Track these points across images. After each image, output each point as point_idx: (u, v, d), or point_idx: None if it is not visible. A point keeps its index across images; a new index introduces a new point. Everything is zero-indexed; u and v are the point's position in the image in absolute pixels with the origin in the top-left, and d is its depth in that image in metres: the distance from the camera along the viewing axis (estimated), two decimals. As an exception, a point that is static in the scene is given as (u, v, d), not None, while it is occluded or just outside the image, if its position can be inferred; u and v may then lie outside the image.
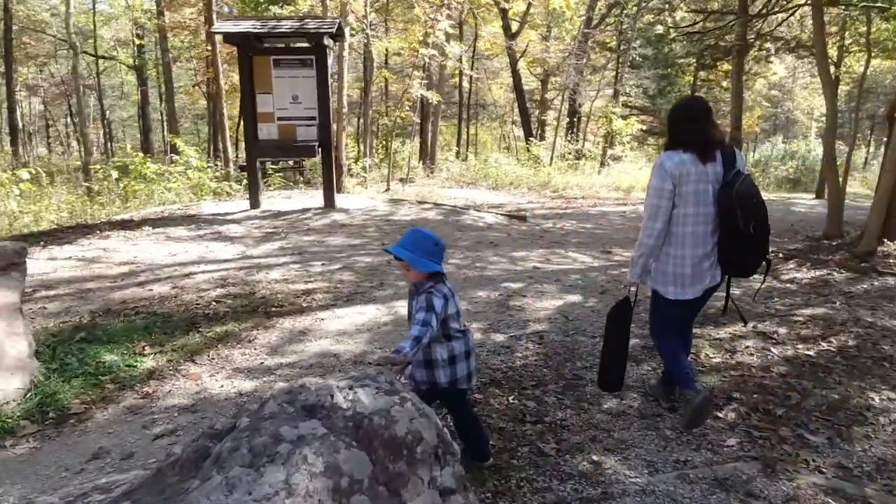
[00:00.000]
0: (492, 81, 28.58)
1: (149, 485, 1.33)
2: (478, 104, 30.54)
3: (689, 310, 3.01)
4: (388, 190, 14.52)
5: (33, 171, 11.44)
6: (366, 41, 15.45)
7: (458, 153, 22.16)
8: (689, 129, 2.82)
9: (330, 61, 11.16)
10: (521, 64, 23.89)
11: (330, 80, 9.14)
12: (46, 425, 2.94)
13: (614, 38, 23.95)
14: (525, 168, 18.01)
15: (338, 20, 8.53)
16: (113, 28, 28.57)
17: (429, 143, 21.23)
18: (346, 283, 5.47)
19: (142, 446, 2.75)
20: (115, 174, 12.60)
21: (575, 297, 5.19)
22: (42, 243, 6.89)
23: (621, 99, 21.85)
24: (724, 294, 3.08)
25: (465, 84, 25.98)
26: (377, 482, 1.36)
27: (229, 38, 8.49)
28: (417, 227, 2.49)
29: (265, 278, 5.56)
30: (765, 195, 3.07)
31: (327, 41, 8.31)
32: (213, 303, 4.78)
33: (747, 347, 3.98)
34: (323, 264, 6.12)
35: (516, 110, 25.74)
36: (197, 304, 4.72)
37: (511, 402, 3.18)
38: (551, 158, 19.12)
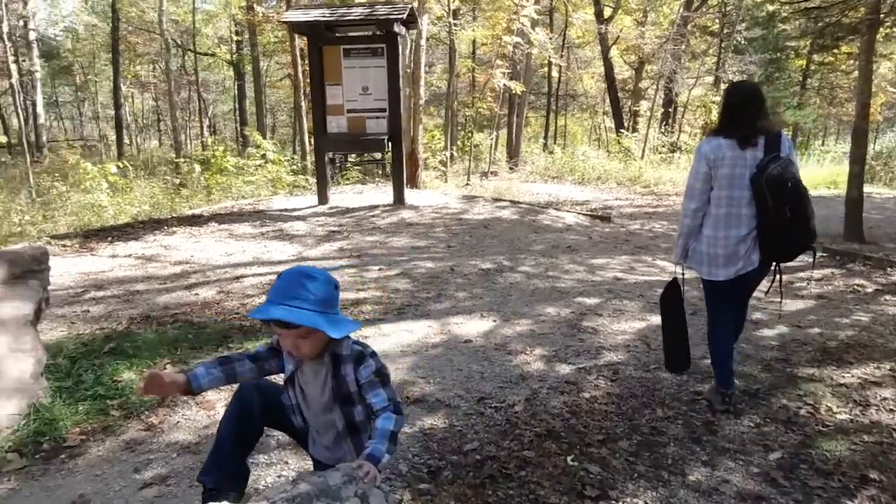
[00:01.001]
0: (582, 70, 27.37)
1: None
2: (567, 94, 29.41)
3: (727, 291, 3.02)
4: (467, 184, 13.99)
5: (121, 165, 11.78)
6: (448, 29, 14.93)
7: (544, 146, 21.28)
8: (733, 114, 2.91)
9: (406, 50, 10.74)
10: (614, 52, 22.62)
11: (405, 70, 8.71)
12: (36, 459, 2.61)
13: (716, 20, 22.16)
14: (614, 162, 16.94)
15: (409, 5, 8.04)
16: (214, 26, 29.67)
17: (513, 135, 20.47)
18: (401, 293, 4.98)
19: (124, 497, 2.35)
20: (197, 168, 12.80)
21: (660, 319, 4.44)
22: (109, 239, 6.88)
23: (723, 86, 20.14)
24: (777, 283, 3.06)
25: (554, 73, 24.99)
26: None
27: (298, 27, 8.23)
28: (305, 269, 1.77)
29: (316, 284, 5.16)
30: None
31: (398, 28, 7.84)
32: (254, 312, 4.42)
33: (885, 400, 3.13)
34: (380, 269, 5.66)
35: (608, 100, 24.44)
36: (235, 314, 4.38)
37: (569, 464, 2.55)
38: (643, 151, 17.89)
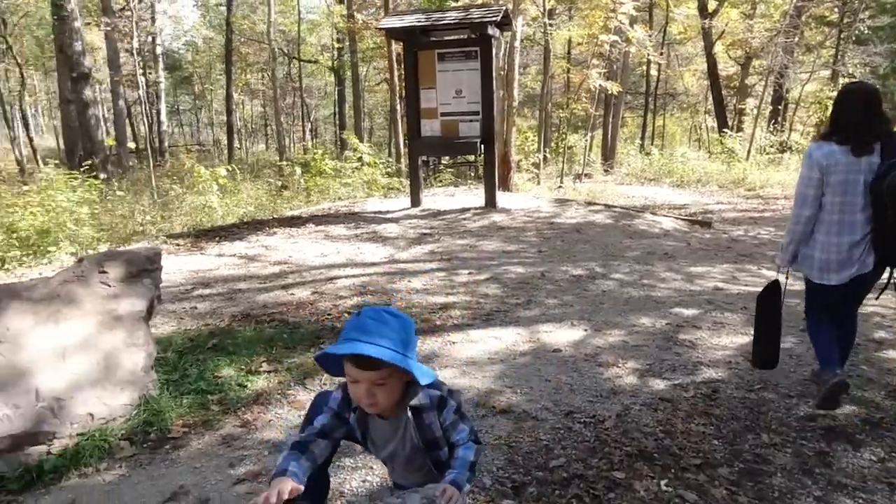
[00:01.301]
0: (683, 68, 26.22)
1: None
2: (667, 93, 28.28)
3: (839, 295, 3.03)
4: (560, 187, 13.76)
5: (230, 168, 12.51)
6: (543, 30, 14.73)
7: (641, 147, 20.55)
8: (847, 118, 2.84)
9: (500, 52, 10.70)
10: (718, 47, 21.51)
11: (498, 73, 8.67)
12: (144, 448, 2.79)
13: (835, 9, 20.49)
14: (716, 163, 16.09)
15: (503, 7, 7.99)
16: (318, 34, 30.99)
17: (608, 136, 19.92)
18: (490, 298, 4.94)
19: (219, 491, 2.46)
20: (298, 170, 13.36)
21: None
22: (217, 238, 7.30)
23: (841, 81, 18.62)
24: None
25: (653, 72, 24.13)
26: None
27: (394, 33, 8.38)
28: (387, 308, 1.67)
29: (406, 287, 5.23)
30: None
31: (492, 31, 7.81)
32: (346, 314, 4.53)
33: None
34: (469, 273, 5.65)
35: (710, 98, 23.25)
36: (328, 315, 4.50)
37: (663, 489, 2.41)
38: (748, 152, 16.86)
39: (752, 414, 3.05)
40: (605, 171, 17.17)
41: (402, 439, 1.74)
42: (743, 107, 21.92)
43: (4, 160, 22.34)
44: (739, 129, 19.67)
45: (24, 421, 2.61)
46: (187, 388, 3.30)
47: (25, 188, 8.82)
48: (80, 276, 3.19)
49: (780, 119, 20.44)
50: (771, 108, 20.37)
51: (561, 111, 19.57)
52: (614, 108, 20.28)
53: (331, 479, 2.19)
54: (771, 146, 17.48)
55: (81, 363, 2.91)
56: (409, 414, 1.70)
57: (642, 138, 24.65)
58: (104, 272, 3.27)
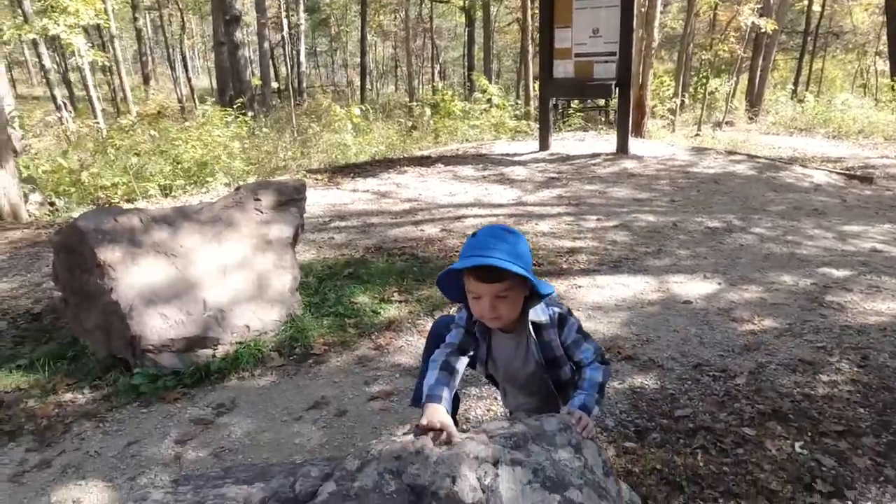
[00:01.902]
0: (853, 2, 23.13)
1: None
2: (830, 32, 25.19)
3: None
4: (697, 135, 12.91)
5: (364, 108, 12.92)
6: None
7: (793, 93, 18.63)
8: None
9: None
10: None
11: (639, 10, 8.16)
12: (290, 360, 3.09)
13: None
14: (883, 112, 14.26)
15: (652, -62, 7.42)
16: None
17: (756, 80, 18.21)
18: (618, 245, 4.83)
19: (356, 405, 2.68)
20: (428, 111, 13.53)
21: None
22: (352, 175, 7.65)
23: None
24: None
25: (816, 7, 21.53)
26: None
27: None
28: (504, 226, 1.64)
29: (532, 229, 5.23)
30: None
31: (637, -36, 7.32)
32: (472, 252, 4.63)
33: None
34: (598, 219, 5.53)
35: (883, 38, 20.42)
36: (456, 252, 4.63)
37: (797, 451, 2.31)
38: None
39: (908, 385, 2.80)
40: (750, 119, 15.78)
41: (524, 357, 1.77)
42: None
43: (168, 99, 24.51)
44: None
45: (195, 326, 2.97)
46: (327, 310, 3.57)
47: (186, 124, 9.69)
48: (238, 202, 3.51)
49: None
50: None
51: (703, 53, 18.08)
52: (766, 49, 18.40)
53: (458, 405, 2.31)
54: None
55: (239, 280, 3.24)
56: (531, 330, 1.72)
57: (795, 83, 22.27)
58: (258, 199, 3.57)
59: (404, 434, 1.38)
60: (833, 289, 3.98)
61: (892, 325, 3.46)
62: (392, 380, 2.88)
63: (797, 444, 2.34)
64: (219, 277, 3.18)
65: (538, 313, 1.71)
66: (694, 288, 3.99)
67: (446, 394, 1.60)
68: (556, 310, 1.73)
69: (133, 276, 2.95)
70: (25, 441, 2.50)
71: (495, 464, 1.09)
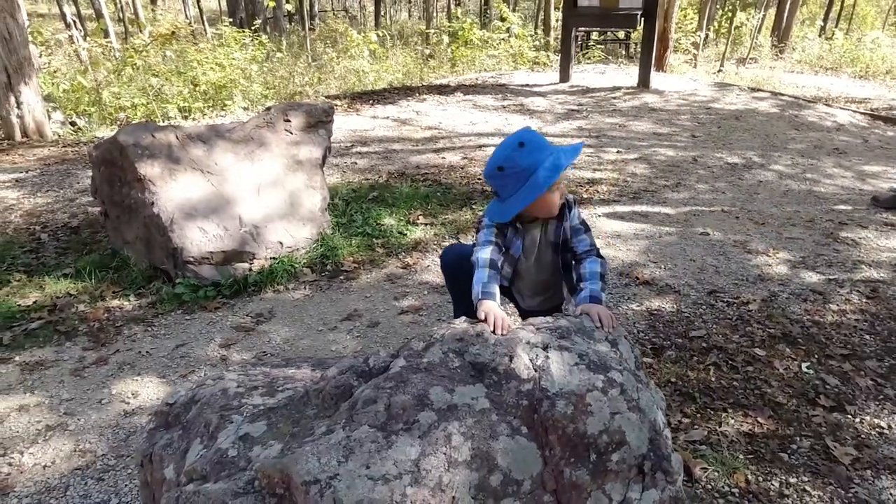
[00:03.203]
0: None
1: (292, 406, 1.23)
2: (868, -37, 24.08)
3: None
4: (720, 71, 12.63)
5: (381, 34, 12.65)
6: None
7: (821, 30, 18.01)
8: None
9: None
10: None
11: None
12: (322, 276, 3.24)
13: None
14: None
15: None
16: None
17: (784, 14, 17.57)
18: (638, 178, 4.88)
19: (387, 318, 2.84)
20: (445, 39, 13.23)
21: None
22: (371, 102, 7.61)
23: None
24: None
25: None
26: (542, 489, 1.03)
27: None
28: (525, 130, 1.75)
29: (552, 160, 5.26)
30: None
31: None
32: (494, 180, 4.70)
33: None
34: (618, 152, 5.56)
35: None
36: (478, 179, 4.70)
37: (804, 370, 2.45)
38: (965, 39, 14.25)
39: (915, 315, 2.92)
40: (775, 56, 15.33)
41: (543, 242, 1.95)
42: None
43: (176, 20, 23.92)
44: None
45: (232, 241, 3.10)
46: (355, 231, 3.69)
47: (201, 45, 9.55)
48: (269, 122, 3.57)
49: None
50: None
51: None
52: (799, -19, 17.66)
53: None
54: None
55: (272, 198, 3.35)
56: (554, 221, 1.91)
57: (825, 19, 21.47)
58: (288, 120, 3.63)
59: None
60: (848, 226, 4.05)
61: (904, 260, 3.55)
62: (421, 296, 3.03)
63: (804, 365, 2.49)
64: (252, 195, 3.29)
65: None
66: (711, 220, 4.07)
67: (497, 290, 1.72)
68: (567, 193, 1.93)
69: (172, 190, 3.06)
70: (81, 341, 2.68)
71: (545, 348, 1.22)
